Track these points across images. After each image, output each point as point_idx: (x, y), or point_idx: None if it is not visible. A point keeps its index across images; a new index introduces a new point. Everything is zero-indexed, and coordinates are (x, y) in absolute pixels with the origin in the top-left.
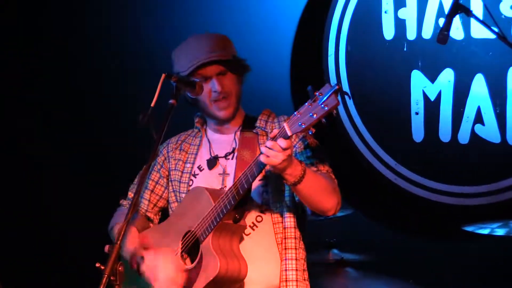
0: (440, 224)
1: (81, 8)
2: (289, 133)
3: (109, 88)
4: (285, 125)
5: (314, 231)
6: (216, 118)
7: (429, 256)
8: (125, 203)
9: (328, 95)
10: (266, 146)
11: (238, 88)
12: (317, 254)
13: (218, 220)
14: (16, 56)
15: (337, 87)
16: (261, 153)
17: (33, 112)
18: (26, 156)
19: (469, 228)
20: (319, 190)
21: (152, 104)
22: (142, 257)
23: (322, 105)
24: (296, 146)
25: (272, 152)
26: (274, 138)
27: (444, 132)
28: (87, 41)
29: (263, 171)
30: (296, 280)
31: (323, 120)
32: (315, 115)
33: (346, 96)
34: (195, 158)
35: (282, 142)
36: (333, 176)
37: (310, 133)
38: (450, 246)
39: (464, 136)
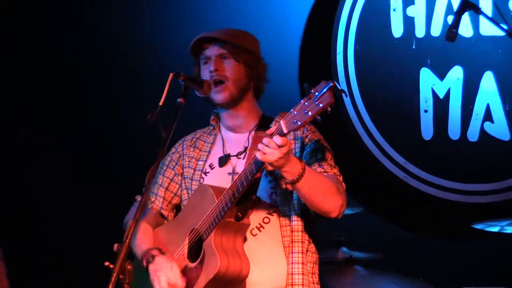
0: (449, 222)
1: (89, 5)
2: (285, 131)
3: (118, 85)
4: (282, 122)
5: (323, 230)
6: (214, 103)
7: (438, 254)
8: (140, 198)
9: (322, 92)
10: (262, 143)
11: (239, 77)
12: (326, 252)
13: (219, 218)
14: (21, 54)
15: (331, 84)
16: (258, 150)
17: (41, 109)
18: (32, 154)
19: (479, 226)
20: (320, 190)
21: (161, 103)
22: (153, 256)
23: (317, 103)
24: (307, 149)
25: (268, 149)
26: (270, 135)
27: (454, 130)
28: (95, 40)
29: (263, 170)
30: (302, 285)
31: (318, 117)
32: (310, 113)
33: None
34: (207, 156)
35: (277, 139)
36: (341, 179)
37: (306, 130)
38: (459, 244)
39: (473, 134)
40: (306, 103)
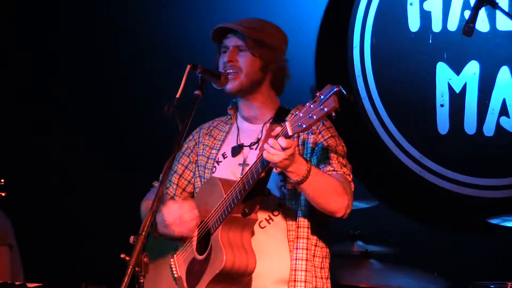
0: (464, 216)
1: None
2: (290, 133)
3: (135, 77)
4: (287, 124)
5: (338, 223)
6: (225, 91)
7: (453, 249)
8: (157, 184)
9: (327, 96)
10: (267, 144)
11: (252, 70)
12: (341, 245)
13: (226, 213)
14: (36, 47)
15: (336, 89)
16: (264, 150)
17: (60, 98)
18: (49, 146)
19: (494, 221)
20: (326, 190)
21: (178, 95)
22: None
23: (321, 107)
24: (319, 145)
25: (273, 150)
26: (276, 137)
27: (469, 125)
28: (111, 31)
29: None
30: (305, 282)
31: (323, 121)
32: (314, 116)
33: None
34: (221, 145)
35: (282, 142)
36: (350, 179)
37: (310, 133)
38: (474, 239)
39: (489, 129)
40: (311, 106)
